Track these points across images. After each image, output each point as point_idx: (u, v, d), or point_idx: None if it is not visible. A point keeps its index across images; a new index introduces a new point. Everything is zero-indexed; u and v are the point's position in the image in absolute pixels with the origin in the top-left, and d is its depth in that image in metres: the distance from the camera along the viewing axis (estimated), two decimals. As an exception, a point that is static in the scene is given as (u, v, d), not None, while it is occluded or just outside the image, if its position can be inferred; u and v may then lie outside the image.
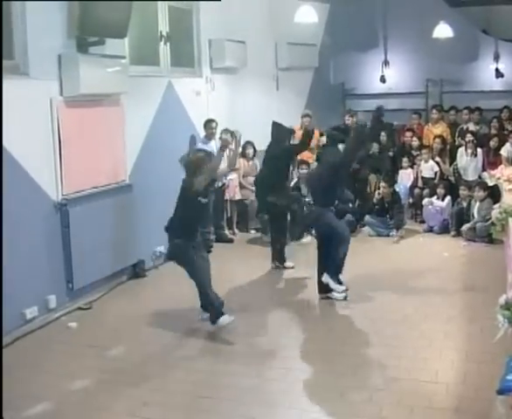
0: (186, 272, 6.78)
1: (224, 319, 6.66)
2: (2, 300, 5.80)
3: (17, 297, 6.61)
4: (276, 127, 8.90)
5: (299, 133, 12.12)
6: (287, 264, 8.97)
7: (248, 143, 11.16)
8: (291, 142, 9.02)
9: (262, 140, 10.33)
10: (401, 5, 13.60)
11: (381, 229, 10.70)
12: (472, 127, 12.46)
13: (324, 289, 7.61)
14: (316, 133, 12.33)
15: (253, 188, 10.97)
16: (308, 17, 11.53)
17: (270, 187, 8.69)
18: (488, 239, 9.93)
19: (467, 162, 11.52)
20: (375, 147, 12.19)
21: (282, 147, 8.74)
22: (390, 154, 12.45)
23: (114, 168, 8.27)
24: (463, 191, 10.63)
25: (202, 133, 10.15)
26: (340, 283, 7.56)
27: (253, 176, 11.17)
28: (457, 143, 12.37)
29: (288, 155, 9.05)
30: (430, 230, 10.87)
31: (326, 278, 7.54)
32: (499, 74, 13.41)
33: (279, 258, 8.92)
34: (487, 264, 9.03)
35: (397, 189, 11.24)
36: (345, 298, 7.51)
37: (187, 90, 9.92)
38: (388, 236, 10.57)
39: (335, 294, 7.55)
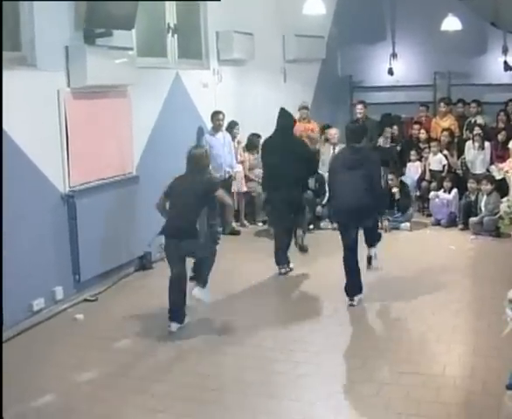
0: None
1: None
2: (1, 297, 5.81)
3: (24, 288, 6.62)
4: (283, 113, 8.59)
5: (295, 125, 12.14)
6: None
7: (255, 135, 11.14)
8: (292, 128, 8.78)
9: (269, 133, 10.30)
10: (409, -2, 13.58)
11: (390, 222, 10.63)
12: (480, 120, 12.41)
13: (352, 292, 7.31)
14: (316, 125, 12.28)
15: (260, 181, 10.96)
16: (316, 8, 11.47)
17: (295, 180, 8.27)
18: (496, 233, 9.92)
19: (475, 155, 11.47)
20: (381, 141, 12.16)
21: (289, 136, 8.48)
22: (398, 147, 12.41)
23: (120, 159, 8.27)
24: (471, 184, 10.59)
25: (209, 124, 10.15)
26: None
27: (260, 168, 11.16)
28: (465, 136, 12.31)
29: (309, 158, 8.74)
30: (437, 223, 10.83)
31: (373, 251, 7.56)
32: (507, 67, 13.33)
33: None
34: (494, 257, 9.01)
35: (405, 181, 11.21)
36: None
37: (194, 82, 9.91)
38: (397, 229, 10.54)
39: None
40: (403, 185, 10.93)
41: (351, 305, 7.20)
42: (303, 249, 8.78)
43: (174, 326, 6.60)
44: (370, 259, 7.58)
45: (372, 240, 7.59)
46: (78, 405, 5.26)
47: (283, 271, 8.37)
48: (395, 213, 10.68)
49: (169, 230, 6.66)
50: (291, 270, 8.42)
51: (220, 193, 6.79)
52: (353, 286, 7.26)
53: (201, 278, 6.62)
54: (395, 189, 10.74)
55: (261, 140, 11.00)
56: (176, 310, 6.65)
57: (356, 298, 7.22)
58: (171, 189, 6.77)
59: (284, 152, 8.20)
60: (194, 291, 6.60)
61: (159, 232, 6.74)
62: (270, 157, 8.53)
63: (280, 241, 8.43)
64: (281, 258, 8.39)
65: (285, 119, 8.52)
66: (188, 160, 6.79)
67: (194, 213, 6.65)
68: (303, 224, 8.97)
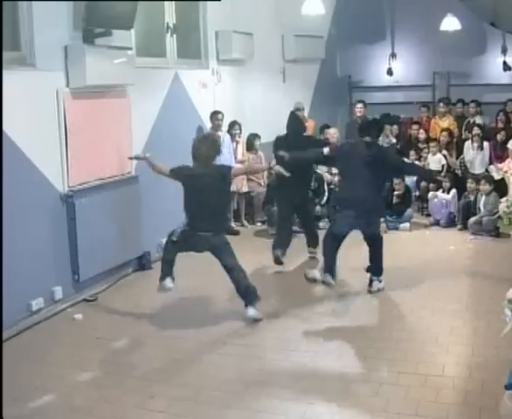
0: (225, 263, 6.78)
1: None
2: (1, 297, 5.81)
3: (23, 288, 6.62)
4: (294, 119, 8.79)
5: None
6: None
7: (255, 135, 11.15)
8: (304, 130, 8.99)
9: (268, 133, 10.32)
10: (408, -2, 13.59)
11: (389, 222, 10.63)
12: (479, 120, 12.42)
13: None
14: (312, 122, 12.30)
15: (261, 181, 11.00)
16: (315, 8, 11.48)
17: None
18: (495, 233, 9.92)
19: (474, 155, 11.49)
20: (379, 141, 12.14)
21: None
22: (398, 146, 12.42)
23: (120, 159, 8.25)
24: (470, 184, 10.60)
25: (208, 124, 10.15)
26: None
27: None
28: (464, 136, 12.34)
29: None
30: (436, 223, 10.84)
31: (377, 285, 7.61)
32: (506, 67, 13.34)
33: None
34: (493, 257, 9.02)
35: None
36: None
37: (193, 82, 9.91)
38: (396, 229, 10.53)
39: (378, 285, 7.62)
40: (406, 189, 10.93)
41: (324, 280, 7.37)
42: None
43: (169, 281, 6.76)
44: (371, 282, 7.66)
45: (376, 266, 7.63)
46: (77, 405, 5.25)
47: (277, 253, 8.48)
48: (392, 215, 10.69)
49: (198, 224, 6.68)
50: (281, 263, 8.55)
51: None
52: (329, 267, 7.38)
53: (250, 299, 6.80)
54: (397, 192, 10.74)
55: (258, 141, 11.11)
56: (171, 267, 6.82)
57: (329, 278, 7.34)
58: (185, 178, 6.79)
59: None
60: (250, 313, 6.76)
61: (185, 224, 6.79)
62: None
63: (282, 235, 8.65)
64: (278, 245, 8.55)
65: (295, 124, 8.70)
66: (195, 150, 6.82)
67: (223, 205, 6.83)
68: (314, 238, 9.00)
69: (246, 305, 6.78)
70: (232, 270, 6.75)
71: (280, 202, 8.96)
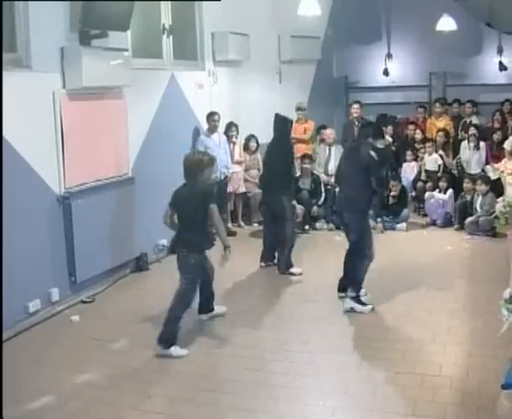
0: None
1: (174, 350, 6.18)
2: (1, 298, 5.81)
3: (20, 290, 6.61)
4: (276, 118, 8.72)
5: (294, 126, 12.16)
6: (295, 269, 8.47)
7: (251, 136, 11.16)
8: (290, 132, 9.04)
9: (265, 134, 10.29)
10: (404, -2, 13.61)
11: (386, 222, 10.63)
12: (475, 120, 12.44)
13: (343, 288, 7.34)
14: (312, 123, 12.30)
15: (256, 181, 11.02)
16: (312, 9, 11.46)
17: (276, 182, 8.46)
18: (492, 233, 9.93)
19: (470, 155, 11.51)
20: (381, 143, 12.14)
21: (283, 143, 8.61)
22: (393, 148, 12.41)
23: (116, 161, 8.25)
24: (467, 184, 10.61)
25: (205, 125, 10.14)
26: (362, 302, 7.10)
27: (256, 170, 11.20)
28: (460, 137, 12.35)
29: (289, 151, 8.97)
30: (433, 223, 10.86)
31: (348, 304, 7.07)
32: (502, 67, 13.37)
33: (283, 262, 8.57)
34: (490, 257, 9.03)
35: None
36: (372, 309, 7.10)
37: (190, 83, 9.90)
38: (393, 229, 10.54)
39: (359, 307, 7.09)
40: (403, 189, 10.93)
41: (339, 296, 7.40)
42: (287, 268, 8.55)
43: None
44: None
45: (351, 277, 7.24)
46: (74, 406, 5.24)
47: (263, 264, 8.73)
48: (389, 215, 10.69)
49: (174, 242, 6.52)
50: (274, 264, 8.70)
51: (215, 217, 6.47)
52: (342, 282, 7.43)
53: (165, 339, 6.20)
54: (393, 193, 10.74)
55: (254, 142, 11.14)
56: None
57: (344, 294, 7.29)
58: (175, 200, 6.47)
59: (272, 158, 8.60)
60: (170, 351, 6.13)
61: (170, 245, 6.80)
62: (265, 162, 9.08)
63: (267, 240, 8.84)
64: (266, 256, 8.77)
65: (279, 125, 8.65)
66: (183, 167, 6.42)
67: (194, 223, 6.33)
68: (284, 245, 8.52)
69: (163, 341, 6.16)
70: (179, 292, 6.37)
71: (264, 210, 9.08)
